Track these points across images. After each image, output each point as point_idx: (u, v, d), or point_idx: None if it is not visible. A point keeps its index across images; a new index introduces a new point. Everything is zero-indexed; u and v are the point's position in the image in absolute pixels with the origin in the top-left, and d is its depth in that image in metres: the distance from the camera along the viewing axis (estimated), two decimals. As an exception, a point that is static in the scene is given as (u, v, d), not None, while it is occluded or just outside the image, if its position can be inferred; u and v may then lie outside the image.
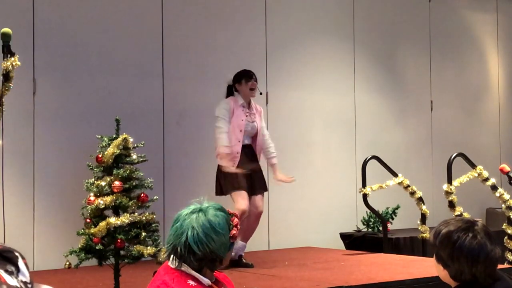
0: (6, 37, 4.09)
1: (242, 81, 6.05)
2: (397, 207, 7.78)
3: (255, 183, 6.02)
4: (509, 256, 6.46)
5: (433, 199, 8.23)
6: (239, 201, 5.80)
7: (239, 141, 5.93)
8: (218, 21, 7.44)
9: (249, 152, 6.04)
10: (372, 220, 7.79)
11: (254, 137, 6.10)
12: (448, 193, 6.51)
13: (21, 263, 1.47)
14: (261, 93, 6.19)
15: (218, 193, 5.95)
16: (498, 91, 9.81)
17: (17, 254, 1.49)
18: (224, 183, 5.90)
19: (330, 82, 8.23)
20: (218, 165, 5.97)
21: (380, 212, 7.44)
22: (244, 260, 5.97)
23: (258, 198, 6.03)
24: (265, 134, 6.21)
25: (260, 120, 6.15)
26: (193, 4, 7.28)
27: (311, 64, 8.06)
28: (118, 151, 4.57)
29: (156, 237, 4.59)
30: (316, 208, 7.98)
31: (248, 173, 5.92)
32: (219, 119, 5.94)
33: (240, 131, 5.94)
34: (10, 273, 1.43)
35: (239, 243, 5.86)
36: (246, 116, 6.01)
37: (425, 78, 9.09)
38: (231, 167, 5.84)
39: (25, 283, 1.45)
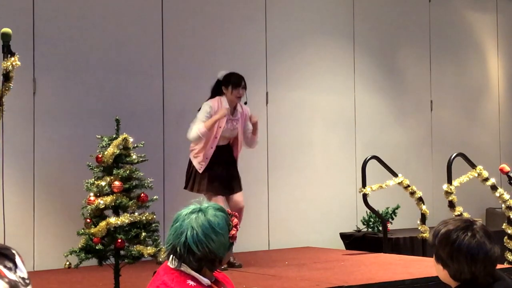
0: (6, 37, 4.09)
1: (229, 88, 5.88)
2: (397, 207, 7.77)
3: (232, 183, 5.94)
4: (509, 256, 6.47)
5: (433, 199, 8.23)
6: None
7: (212, 148, 5.84)
8: (218, 21, 7.44)
9: (225, 152, 5.95)
10: (372, 220, 7.79)
11: (235, 138, 6.03)
12: (448, 193, 6.51)
13: (18, 260, 1.49)
14: (245, 103, 6.02)
15: (190, 189, 5.84)
16: (498, 91, 9.81)
17: (14, 251, 1.51)
18: (200, 183, 5.81)
19: (330, 82, 8.23)
20: (190, 162, 5.91)
21: (380, 212, 7.43)
22: (231, 260, 5.81)
23: (237, 195, 5.96)
24: (254, 137, 6.08)
25: (244, 125, 6.02)
26: (193, 4, 7.28)
27: (311, 64, 8.06)
28: (118, 151, 4.57)
29: (156, 237, 4.59)
30: (316, 208, 7.98)
31: (224, 174, 5.87)
32: (197, 121, 5.81)
33: (216, 138, 5.85)
34: (9, 269, 1.45)
35: None
36: (227, 123, 5.88)
37: (425, 78, 9.09)
38: (223, 113, 5.73)
39: (23, 278, 1.47)
